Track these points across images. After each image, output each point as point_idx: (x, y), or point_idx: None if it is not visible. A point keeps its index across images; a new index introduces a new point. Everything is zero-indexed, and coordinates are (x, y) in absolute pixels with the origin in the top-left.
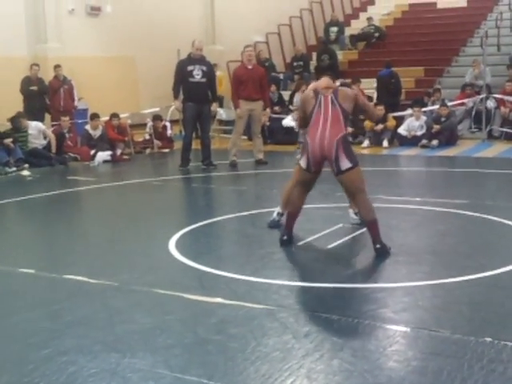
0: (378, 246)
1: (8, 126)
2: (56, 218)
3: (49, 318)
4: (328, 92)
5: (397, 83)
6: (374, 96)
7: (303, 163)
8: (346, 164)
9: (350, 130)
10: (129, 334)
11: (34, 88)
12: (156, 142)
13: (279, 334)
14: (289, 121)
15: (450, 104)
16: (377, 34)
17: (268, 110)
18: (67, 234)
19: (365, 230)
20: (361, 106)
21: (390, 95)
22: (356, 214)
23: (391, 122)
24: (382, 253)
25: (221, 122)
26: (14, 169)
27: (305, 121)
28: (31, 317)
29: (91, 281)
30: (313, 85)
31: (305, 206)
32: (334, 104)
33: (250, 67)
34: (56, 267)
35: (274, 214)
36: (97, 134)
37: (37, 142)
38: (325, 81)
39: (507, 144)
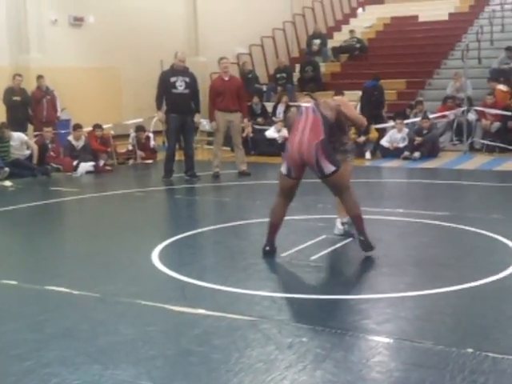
0: (361, 238)
1: None
2: (38, 228)
3: (31, 330)
4: (309, 103)
5: (380, 96)
6: (358, 107)
7: (284, 169)
8: (329, 168)
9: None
10: (111, 345)
11: (17, 98)
12: (139, 152)
13: (262, 346)
14: (272, 132)
15: (431, 116)
16: (358, 45)
17: (246, 120)
18: (50, 245)
19: (348, 241)
20: (346, 117)
21: (373, 107)
22: (343, 224)
23: (373, 134)
24: (364, 245)
25: (204, 133)
26: None
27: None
28: (13, 328)
29: (74, 292)
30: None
31: (288, 218)
32: (314, 112)
33: (226, 79)
34: (38, 278)
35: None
36: (79, 144)
37: (19, 153)
38: (305, 99)
39: (488, 156)
